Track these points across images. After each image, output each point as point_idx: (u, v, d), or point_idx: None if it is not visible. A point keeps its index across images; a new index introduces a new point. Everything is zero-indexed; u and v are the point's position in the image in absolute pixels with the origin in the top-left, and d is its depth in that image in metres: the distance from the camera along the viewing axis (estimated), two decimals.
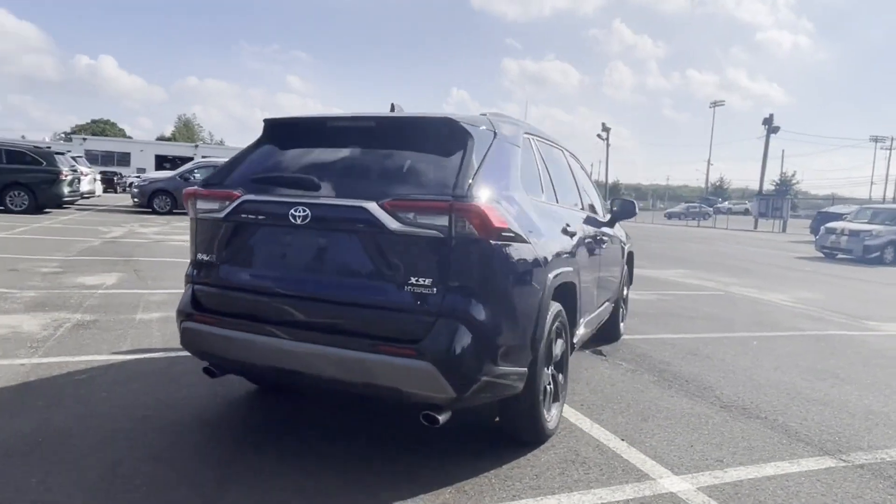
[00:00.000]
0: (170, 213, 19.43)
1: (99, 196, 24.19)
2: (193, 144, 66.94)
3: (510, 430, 3.08)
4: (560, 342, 3.31)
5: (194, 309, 2.94)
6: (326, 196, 2.66)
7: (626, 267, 5.67)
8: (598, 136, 49.32)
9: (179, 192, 19.50)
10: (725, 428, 3.58)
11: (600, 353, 5.22)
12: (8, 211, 15.61)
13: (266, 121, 3.20)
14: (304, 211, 2.64)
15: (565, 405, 3.74)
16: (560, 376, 3.36)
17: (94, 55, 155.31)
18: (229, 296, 2.88)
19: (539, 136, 3.75)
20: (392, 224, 2.50)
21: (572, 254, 3.45)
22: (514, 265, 2.71)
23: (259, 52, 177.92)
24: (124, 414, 3.26)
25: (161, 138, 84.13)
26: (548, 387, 3.19)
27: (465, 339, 2.50)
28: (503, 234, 2.61)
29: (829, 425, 3.73)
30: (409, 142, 2.83)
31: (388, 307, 2.54)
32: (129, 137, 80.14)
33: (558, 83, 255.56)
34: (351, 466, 2.79)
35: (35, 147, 17.88)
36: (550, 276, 2.97)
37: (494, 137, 2.97)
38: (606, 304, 4.86)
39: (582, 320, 3.83)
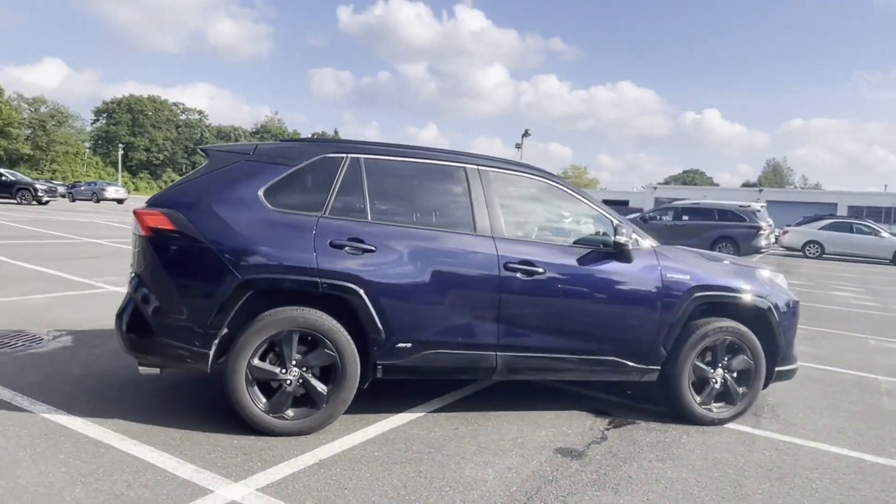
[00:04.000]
0: None
1: None
2: (757, 189, 65.87)
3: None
4: (320, 351, 3.43)
5: None
6: None
7: (725, 323, 4.06)
8: None
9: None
10: None
11: (608, 414, 4.08)
12: None
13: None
14: None
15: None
16: (320, 385, 3.45)
17: (698, 110, 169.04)
18: None
19: (383, 157, 3.78)
20: (134, 227, 3.62)
21: (358, 263, 3.47)
22: (181, 261, 3.34)
23: (878, 81, 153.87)
24: None
25: (746, 185, 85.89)
26: (286, 385, 3.42)
27: (130, 310, 3.42)
28: (169, 234, 3.32)
29: None
30: (202, 166, 3.78)
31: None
32: (716, 185, 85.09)
33: None
34: None
35: (739, 206, 20.52)
36: (251, 276, 3.32)
37: (242, 159, 3.56)
38: (578, 357, 3.86)
39: (407, 344, 3.55)
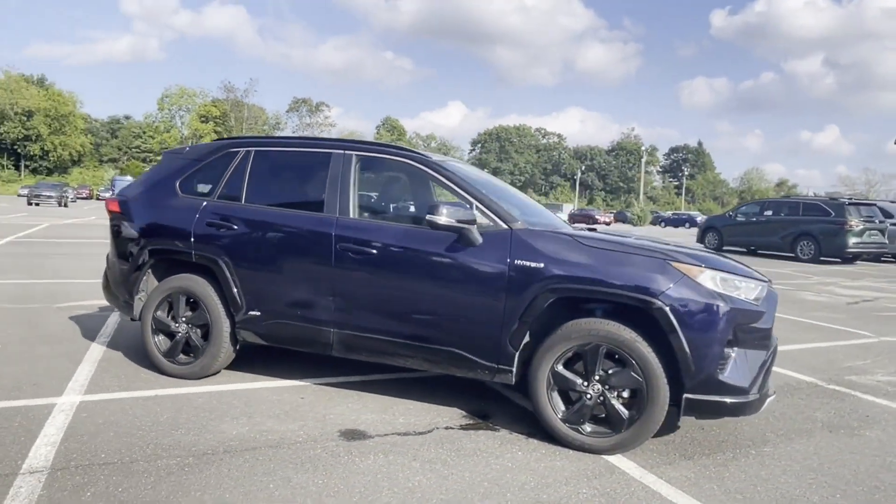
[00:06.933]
0: None
1: None
2: None
3: None
4: (198, 311, 4.17)
5: None
6: None
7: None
8: None
9: None
10: None
11: (482, 417, 3.65)
12: None
13: None
14: None
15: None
16: (200, 340, 4.17)
17: None
18: None
19: (269, 148, 4.27)
20: None
21: (223, 239, 4.10)
22: (117, 233, 4.46)
23: None
24: None
25: None
26: (178, 336, 4.24)
27: (104, 272, 4.72)
28: (115, 215, 4.50)
29: None
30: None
31: None
32: None
33: None
34: None
35: None
36: (151, 247, 4.26)
37: (174, 157, 4.53)
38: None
39: (257, 313, 3.97)
